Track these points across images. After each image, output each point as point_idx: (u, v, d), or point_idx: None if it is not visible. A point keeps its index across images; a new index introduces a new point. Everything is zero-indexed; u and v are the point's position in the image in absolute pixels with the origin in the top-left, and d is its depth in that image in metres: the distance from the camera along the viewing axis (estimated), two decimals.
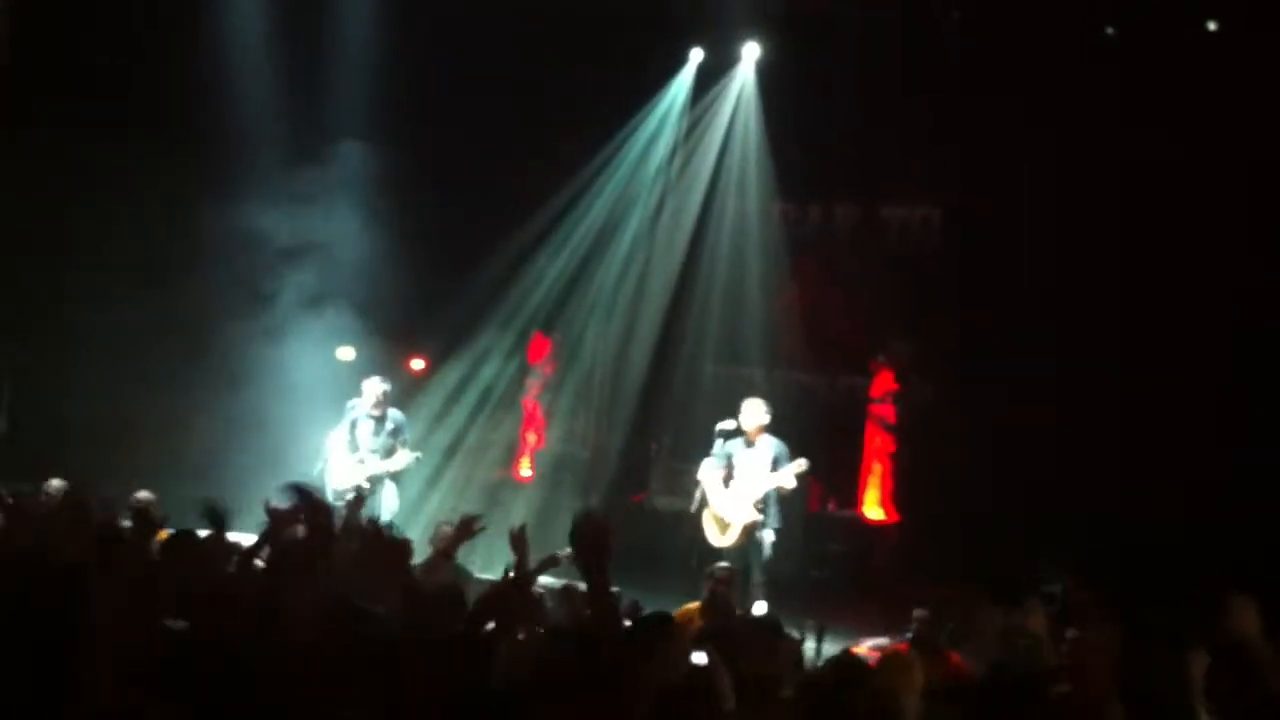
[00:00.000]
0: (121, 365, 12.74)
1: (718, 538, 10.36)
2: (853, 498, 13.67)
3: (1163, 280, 11.85)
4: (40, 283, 12.75)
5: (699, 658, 4.91)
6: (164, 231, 13.02)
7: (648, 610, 6.48)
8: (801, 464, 10.32)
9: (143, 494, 9.04)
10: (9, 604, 4.11)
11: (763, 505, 10.29)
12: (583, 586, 5.45)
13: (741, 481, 10.41)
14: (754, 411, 10.58)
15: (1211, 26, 11.94)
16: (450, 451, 13.52)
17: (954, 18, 12.87)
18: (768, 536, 10.27)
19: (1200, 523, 10.96)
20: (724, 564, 9.00)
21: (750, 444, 10.52)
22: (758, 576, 10.03)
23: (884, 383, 13.78)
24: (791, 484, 10.33)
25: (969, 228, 13.40)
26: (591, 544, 4.95)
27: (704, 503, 10.55)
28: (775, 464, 10.38)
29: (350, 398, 11.38)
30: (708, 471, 10.58)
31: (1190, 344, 11.53)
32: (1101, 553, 11.19)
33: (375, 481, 10.97)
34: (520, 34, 13.48)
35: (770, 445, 10.50)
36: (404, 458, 11.02)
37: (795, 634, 6.90)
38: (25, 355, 12.72)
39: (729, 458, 10.53)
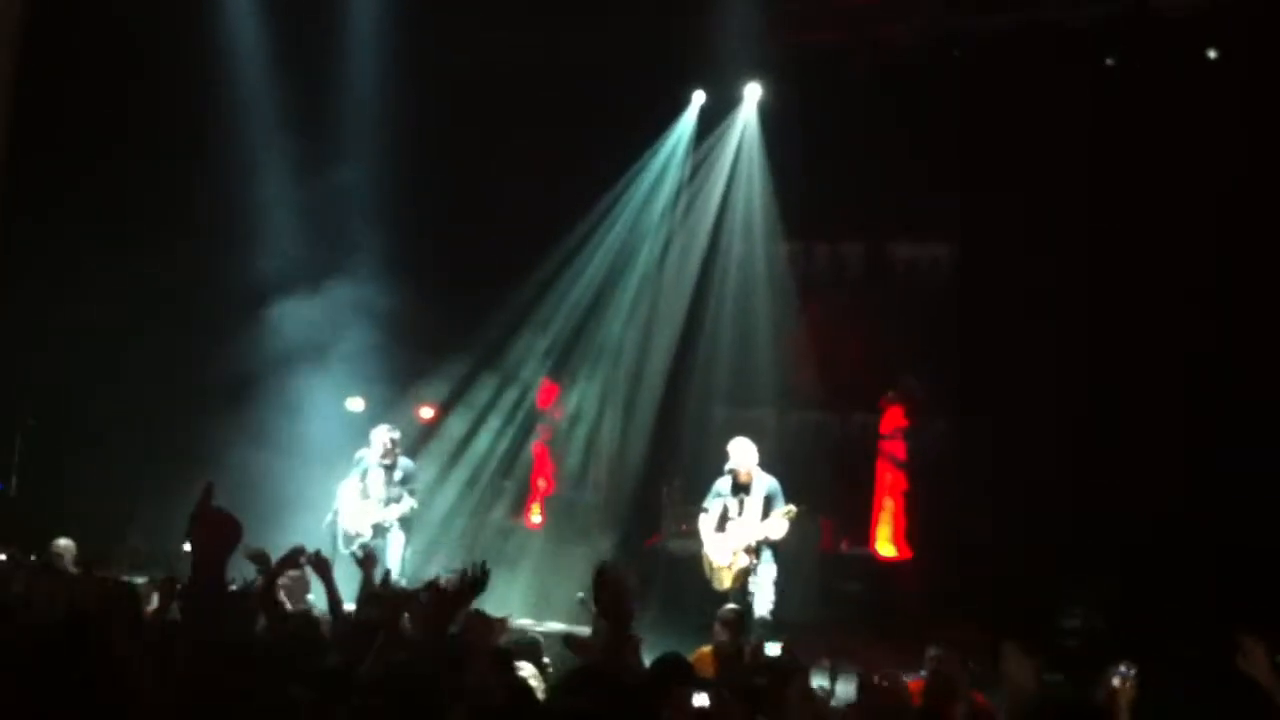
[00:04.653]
0: (128, 420, 12.76)
1: (716, 583, 10.29)
2: (866, 535, 13.57)
3: (1175, 311, 11.81)
4: (50, 346, 12.78)
5: (700, 700, 4.86)
6: (172, 284, 13.07)
7: (659, 652, 6.41)
8: (790, 510, 10.19)
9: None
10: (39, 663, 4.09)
11: (755, 550, 10.19)
12: (584, 632, 5.40)
13: (735, 526, 10.31)
14: (742, 452, 10.47)
15: (1211, 55, 11.94)
16: (460, 499, 13.49)
17: (955, 55, 12.89)
18: (766, 577, 10.17)
19: (1217, 549, 10.87)
20: (732, 606, 8.92)
21: (742, 485, 10.40)
22: (760, 619, 9.92)
23: (894, 419, 13.71)
24: (780, 534, 10.20)
25: (977, 263, 13.37)
26: (611, 598, 4.91)
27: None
28: (768, 504, 10.27)
29: (360, 448, 11.38)
30: (705, 515, 10.54)
31: (1207, 375, 11.48)
32: (1116, 585, 11.14)
33: (379, 530, 10.92)
34: (521, 82, 13.56)
35: (764, 485, 10.37)
36: (405, 505, 10.97)
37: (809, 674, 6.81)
38: (34, 416, 12.73)
39: (722, 499, 10.43)
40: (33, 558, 8.79)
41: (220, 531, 5.51)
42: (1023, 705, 5.58)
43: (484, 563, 4.90)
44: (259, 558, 6.13)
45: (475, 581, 4.81)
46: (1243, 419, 11.21)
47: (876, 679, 4.93)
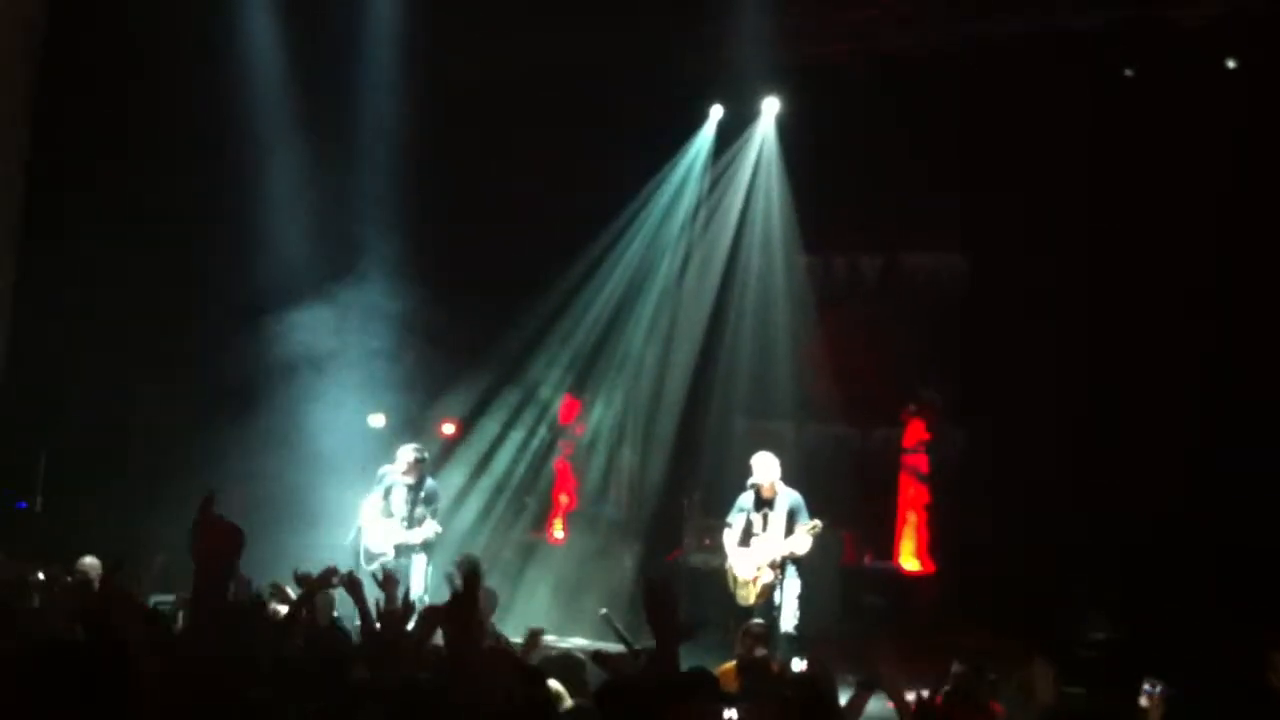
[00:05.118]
0: (151, 434, 12.83)
1: (741, 598, 10.30)
2: (889, 550, 13.56)
3: (1195, 319, 11.79)
4: (73, 361, 12.84)
5: (730, 714, 4.88)
6: (195, 298, 13.14)
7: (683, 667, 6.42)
8: (815, 525, 10.21)
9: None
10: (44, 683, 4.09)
11: (780, 565, 10.20)
12: (610, 648, 5.42)
13: (759, 541, 10.32)
14: (765, 466, 10.49)
15: (1231, 65, 11.93)
16: (483, 515, 13.51)
17: (968, 66, 12.89)
18: (791, 591, 10.19)
19: (1240, 563, 10.84)
20: (758, 620, 8.92)
21: (765, 500, 10.42)
22: (785, 635, 9.93)
23: (916, 432, 13.70)
24: (805, 549, 10.22)
25: (994, 272, 13.35)
26: (661, 608, 4.93)
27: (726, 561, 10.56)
28: (792, 518, 10.29)
29: (382, 464, 11.41)
30: (729, 530, 10.56)
31: (1230, 382, 11.46)
32: (1139, 596, 11.11)
33: (403, 550, 10.93)
34: (539, 99, 13.61)
35: (787, 500, 10.39)
36: (429, 528, 10.97)
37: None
38: (59, 434, 12.79)
39: (745, 514, 10.45)
40: (69, 579, 8.82)
41: (224, 541, 5.52)
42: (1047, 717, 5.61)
43: (467, 557, 4.94)
44: (304, 580, 6.22)
45: (468, 576, 4.83)
46: (1250, 419, 11.21)
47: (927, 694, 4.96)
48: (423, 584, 10.90)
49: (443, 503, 11.49)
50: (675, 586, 5.20)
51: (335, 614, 7.92)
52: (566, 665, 6.25)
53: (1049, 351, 12.27)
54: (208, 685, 4.61)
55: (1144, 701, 5.26)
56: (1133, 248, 12.06)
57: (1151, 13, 11.99)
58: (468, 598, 4.88)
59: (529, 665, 5.75)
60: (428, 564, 11.05)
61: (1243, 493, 10.98)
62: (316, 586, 6.34)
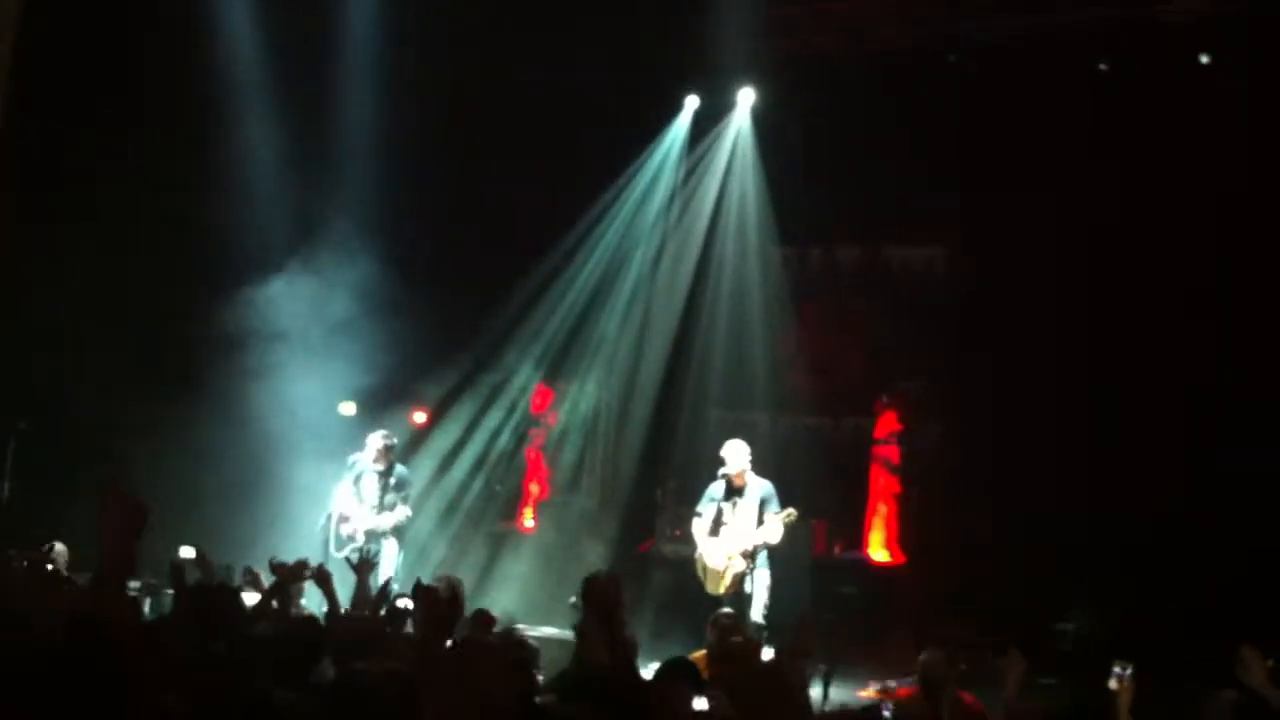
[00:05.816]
0: (124, 426, 12.74)
1: (710, 587, 10.30)
2: (859, 540, 13.58)
3: (1172, 314, 11.83)
4: (40, 346, 12.74)
5: (700, 704, 4.86)
6: (161, 279, 13.07)
7: (654, 656, 6.43)
8: (790, 513, 10.20)
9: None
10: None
11: (751, 554, 10.20)
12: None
13: (729, 530, 10.32)
14: (736, 454, 10.48)
15: (1204, 59, 11.97)
16: (454, 504, 13.48)
17: (950, 60, 12.88)
18: (761, 580, 10.19)
19: (1214, 555, 10.89)
20: (727, 610, 8.92)
21: (736, 489, 10.41)
22: (754, 623, 9.94)
23: (888, 423, 13.73)
24: (777, 538, 10.22)
25: (972, 265, 13.36)
26: (601, 601, 4.93)
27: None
28: (762, 507, 10.28)
29: (352, 452, 11.38)
30: (699, 520, 10.56)
31: (1208, 379, 11.51)
32: (1115, 586, 11.16)
33: (373, 537, 10.92)
34: (515, 87, 13.56)
35: (757, 489, 10.39)
36: (400, 513, 10.97)
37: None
38: (27, 420, 12.68)
39: (715, 503, 10.44)
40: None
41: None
42: (1018, 708, 5.62)
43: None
44: (279, 569, 6.25)
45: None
46: (1243, 419, 11.24)
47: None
48: (393, 569, 10.90)
49: (413, 488, 11.47)
50: (613, 581, 5.20)
51: (303, 601, 7.89)
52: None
53: (1032, 342, 12.29)
54: (199, 683, 4.59)
55: (1113, 684, 5.27)
56: (1131, 246, 12.05)
57: (1150, 13, 12.02)
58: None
59: (512, 656, 5.71)
60: (398, 550, 11.05)
61: (1243, 493, 11.01)
62: (289, 577, 6.36)
